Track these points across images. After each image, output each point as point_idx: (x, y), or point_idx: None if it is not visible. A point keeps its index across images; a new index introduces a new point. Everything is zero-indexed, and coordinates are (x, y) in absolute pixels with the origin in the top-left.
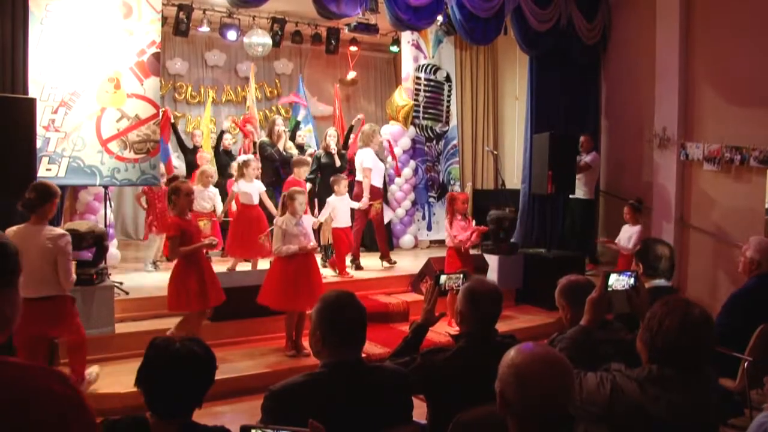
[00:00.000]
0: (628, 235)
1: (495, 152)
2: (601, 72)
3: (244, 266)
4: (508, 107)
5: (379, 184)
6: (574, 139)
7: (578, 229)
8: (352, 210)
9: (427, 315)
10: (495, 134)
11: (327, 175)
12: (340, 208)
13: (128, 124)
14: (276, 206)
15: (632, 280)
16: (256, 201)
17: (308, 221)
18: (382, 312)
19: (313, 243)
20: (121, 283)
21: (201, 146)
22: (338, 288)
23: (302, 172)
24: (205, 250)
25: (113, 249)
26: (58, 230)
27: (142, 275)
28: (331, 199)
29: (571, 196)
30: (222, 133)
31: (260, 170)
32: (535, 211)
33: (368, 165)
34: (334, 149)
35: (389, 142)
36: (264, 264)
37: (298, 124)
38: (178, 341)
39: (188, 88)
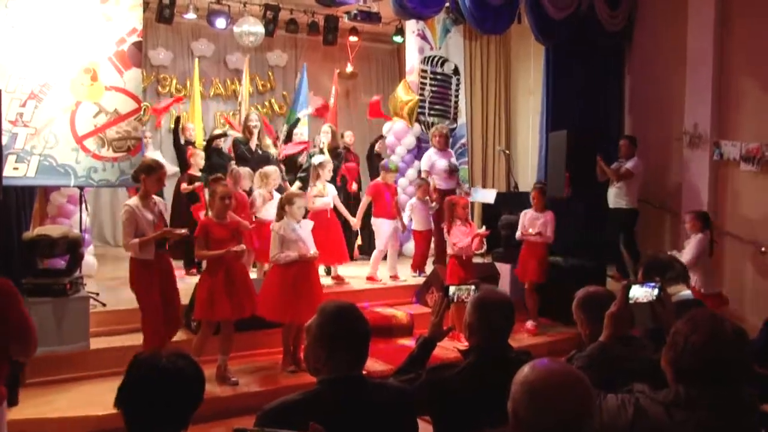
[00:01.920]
0: (541, 221)
1: (507, 152)
2: (625, 63)
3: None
4: (521, 103)
5: (444, 185)
6: (594, 137)
7: (623, 241)
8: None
9: (435, 329)
10: (507, 132)
11: None
12: (420, 211)
13: (106, 119)
14: None
15: (656, 292)
16: (331, 204)
17: (307, 227)
18: (385, 326)
19: (313, 250)
20: (97, 294)
21: (194, 142)
22: (337, 299)
23: (390, 177)
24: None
25: (89, 256)
26: (128, 201)
27: (121, 286)
28: (413, 202)
29: (611, 206)
30: (224, 134)
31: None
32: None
33: (423, 167)
34: (323, 145)
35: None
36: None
37: (297, 121)
38: (163, 356)
39: (173, 80)
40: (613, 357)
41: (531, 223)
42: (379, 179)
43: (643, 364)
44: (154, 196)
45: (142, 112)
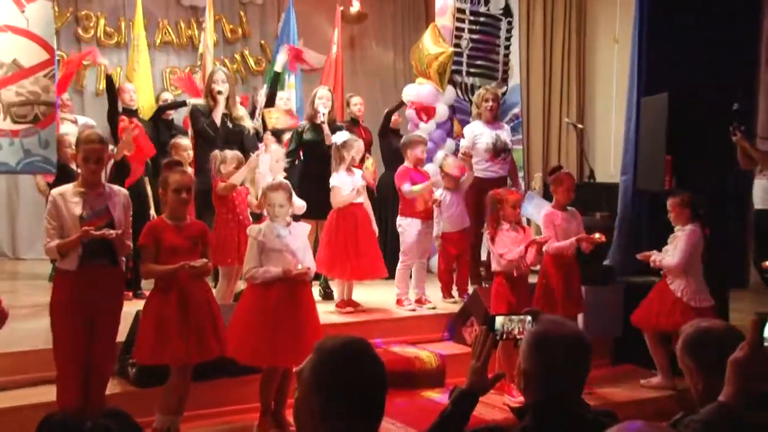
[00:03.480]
0: (575, 224)
1: (580, 126)
2: None
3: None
4: (602, 56)
5: (487, 172)
6: (714, 103)
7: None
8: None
9: (477, 377)
10: (580, 99)
11: (312, 157)
12: (449, 205)
13: (2, 74)
14: None
15: None
16: (360, 197)
17: (301, 230)
18: (405, 372)
19: (305, 264)
20: None
21: (138, 109)
22: (340, 333)
23: (419, 152)
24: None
25: None
26: (55, 189)
27: (19, 317)
28: (438, 194)
29: (758, 206)
30: (183, 103)
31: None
32: (644, 218)
33: (465, 143)
34: (322, 119)
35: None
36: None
37: (277, 76)
38: (89, 419)
39: (100, 20)
40: (742, 424)
41: (565, 227)
42: (407, 162)
43: None
44: (113, 186)
45: (55, 65)
